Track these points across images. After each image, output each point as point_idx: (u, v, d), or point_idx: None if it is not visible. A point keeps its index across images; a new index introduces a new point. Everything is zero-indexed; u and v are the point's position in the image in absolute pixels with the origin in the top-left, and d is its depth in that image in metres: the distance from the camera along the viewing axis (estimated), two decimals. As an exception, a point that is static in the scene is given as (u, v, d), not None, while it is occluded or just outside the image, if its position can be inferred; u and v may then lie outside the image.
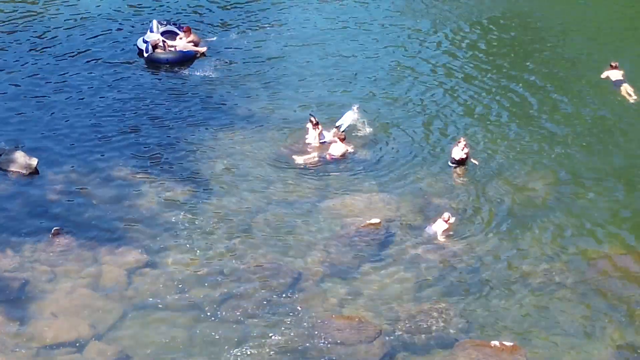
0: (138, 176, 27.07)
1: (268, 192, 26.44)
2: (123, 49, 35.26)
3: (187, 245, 23.88)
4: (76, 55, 34.68)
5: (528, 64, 34.83)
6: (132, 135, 29.46)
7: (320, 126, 28.79)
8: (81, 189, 26.20)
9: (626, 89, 31.44)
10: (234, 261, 23.34)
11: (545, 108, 31.59)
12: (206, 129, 30.02)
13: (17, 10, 38.11)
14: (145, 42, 34.61)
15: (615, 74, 32.40)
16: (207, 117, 30.84)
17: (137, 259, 23.30)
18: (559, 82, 33.44)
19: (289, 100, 32.12)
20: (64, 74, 33.04)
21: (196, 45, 35.12)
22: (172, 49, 34.36)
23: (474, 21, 38.58)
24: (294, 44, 36.46)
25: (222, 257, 23.44)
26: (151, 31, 34.94)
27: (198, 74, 33.82)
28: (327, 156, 28.11)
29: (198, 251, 23.65)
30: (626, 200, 26.26)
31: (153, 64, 34.27)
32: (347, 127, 29.35)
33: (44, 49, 35.02)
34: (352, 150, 28.59)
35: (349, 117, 29.74)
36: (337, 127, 29.27)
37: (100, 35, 36.33)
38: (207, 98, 32.17)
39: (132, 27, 37.19)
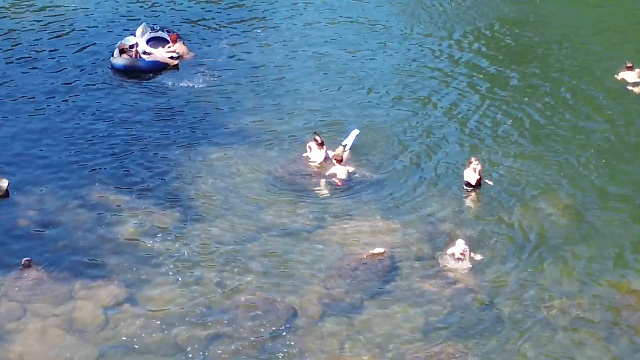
0: (118, 201, 25.25)
1: (261, 217, 24.61)
2: (103, 61, 33.10)
3: (171, 278, 22.01)
4: (54, 69, 32.63)
5: (537, 70, 33.14)
6: (112, 155, 27.36)
7: (325, 146, 26.88)
8: (55, 214, 24.28)
9: None
10: (222, 297, 21.39)
11: (560, 119, 29.64)
12: (193, 146, 28.12)
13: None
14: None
15: (631, 76, 31.06)
16: (194, 134, 28.96)
17: (115, 294, 21.33)
18: (573, 89, 31.49)
19: (284, 113, 30.17)
20: (38, 89, 31.01)
21: (182, 56, 33.20)
22: (145, 56, 32.28)
23: (479, 29, 36.81)
24: (290, 52, 34.65)
25: (209, 292, 21.46)
26: (133, 35, 33.36)
27: (184, 85, 31.90)
28: (332, 180, 26.00)
29: (183, 285, 21.75)
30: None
31: (113, 69, 32.19)
32: (351, 146, 27.47)
33: (17, 62, 32.93)
34: (353, 170, 26.65)
35: (354, 136, 27.77)
36: (342, 145, 27.25)
37: (82, 47, 34.23)
38: (195, 112, 30.28)
39: (118, 37, 35.04)
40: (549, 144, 28.36)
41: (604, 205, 25.15)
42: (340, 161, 26.40)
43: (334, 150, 27.08)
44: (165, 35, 33.99)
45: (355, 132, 28.13)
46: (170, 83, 32.22)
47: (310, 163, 26.84)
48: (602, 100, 30.91)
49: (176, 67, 33.22)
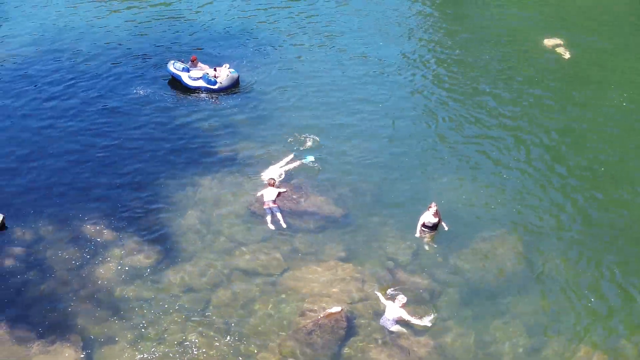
0: (105, 236, 24.31)
1: (233, 258, 23.66)
2: (97, 91, 32.43)
3: (134, 337, 20.99)
4: (47, 98, 31.84)
5: (504, 92, 32.08)
6: (104, 185, 26.51)
7: (275, 185, 25.95)
8: (42, 252, 23.67)
9: None
10: (182, 357, 20.44)
11: (535, 147, 28.45)
12: (183, 174, 26.94)
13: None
14: (195, 79, 32.12)
15: None
16: (186, 161, 27.87)
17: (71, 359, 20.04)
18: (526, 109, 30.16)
19: (278, 139, 29.20)
20: (35, 119, 30.32)
21: (215, 69, 32.49)
22: (226, 73, 32.47)
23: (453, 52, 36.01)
24: (290, 77, 33.37)
25: (170, 353, 20.69)
26: (186, 70, 32.43)
27: (181, 111, 30.97)
28: (264, 204, 25.50)
29: (143, 348, 20.82)
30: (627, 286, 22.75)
31: (224, 91, 32.42)
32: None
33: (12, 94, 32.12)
34: (285, 190, 25.73)
35: (308, 161, 27.24)
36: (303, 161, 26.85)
37: (74, 76, 33.48)
38: (189, 137, 29.35)
39: (113, 64, 34.28)
40: (506, 176, 27.22)
41: (559, 248, 24.05)
42: (273, 184, 25.62)
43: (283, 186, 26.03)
44: (181, 63, 32.98)
45: (310, 158, 27.38)
46: (171, 108, 31.38)
47: (264, 201, 25.68)
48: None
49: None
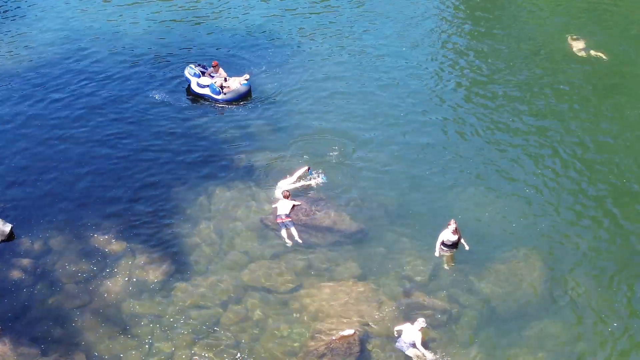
0: (114, 248, 23.65)
1: (245, 274, 22.85)
2: (108, 96, 31.60)
3: (142, 353, 20.51)
4: (59, 102, 31.20)
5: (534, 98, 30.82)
6: (115, 195, 25.80)
7: (290, 197, 25.05)
8: (49, 264, 23.01)
9: None
10: None
11: (556, 160, 27.27)
12: (197, 185, 26.20)
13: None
14: (202, 86, 31.06)
15: None
16: (200, 171, 26.98)
17: None
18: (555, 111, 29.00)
19: (294, 150, 28.23)
20: (47, 127, 29.67)
21: (226, 78, 31.62)
22: (232, 85, 31.33)
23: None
24: (311, 84, 32.39)
25: None
26: (197, 76, 31.34)
27: (196, 119, 30.17)
28: (278, 219, 24.57)
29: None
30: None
31: (228, 103, 31.09)
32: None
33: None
34: (299, 203, 24.88)
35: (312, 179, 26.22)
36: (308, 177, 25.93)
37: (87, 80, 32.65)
38: (203, 146, 28.50)
39: (131, 65, 33.61)
40: (531, 190, 25.93)
41: (583, 270, 22.93)
42: (288, 197, 24.75)
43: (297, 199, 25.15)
44: (200, 68, 32.17)
45: (323, 179, 26.18)
46: (182, 117, 30.43)
47: (277, 214, 24.75)
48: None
49: (248, 80, 31.76)
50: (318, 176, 25.82)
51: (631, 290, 22.23)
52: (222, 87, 30.53)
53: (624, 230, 24.24)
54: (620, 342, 20.90)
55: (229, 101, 30.47)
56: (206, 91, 30.60)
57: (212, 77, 31.46)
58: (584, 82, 31.40)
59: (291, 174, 25.66)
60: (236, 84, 30.76)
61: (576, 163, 26.95)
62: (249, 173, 26.70)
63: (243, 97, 30.74)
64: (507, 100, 30.76)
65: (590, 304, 21.86)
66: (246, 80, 30.78)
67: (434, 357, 19.72)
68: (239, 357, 20.19)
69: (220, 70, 31.15)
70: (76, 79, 32.23)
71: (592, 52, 32.74)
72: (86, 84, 31.80)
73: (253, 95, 31.08)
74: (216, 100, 30.59)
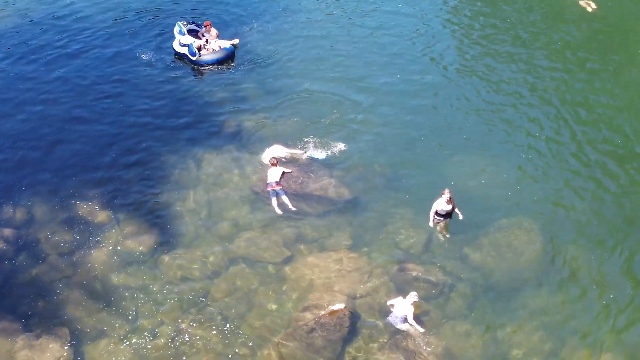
0: (100, 217, 22.90)
1: (234, 245, 22.11)
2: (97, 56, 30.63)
3: (125, 331, 19.70)
4: (42, 64, 30.26)
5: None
6: (101, 162, 25.01)
7: (278, 164, 24.16)
8: (32, 234, 22.23)
9: None
10: (175, 354, 19.02)
11: (563, 130, 26.39)
12: (189, 150, 25.39)
13: None
14: (183, 45, 29.85)
15: None
16: (193, 136, 26.11)
17: (57, 358, 18.96)
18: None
19: (286, 115, 27.34)
20: (30, 91, 28.74)
21: (207, 41, 30.54)
22: (215, 47, 30.08)
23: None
24: (308, 50, 31.27)
25: (162, 349, 19.27)
26: (182, 34, 30.14)
27: (185, 80, 29.20)
28: (268, 187, 23.84)
29: (134, 344, 19.46)
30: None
31: (202, 66, 29.97)
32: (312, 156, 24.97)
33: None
34: (290, 171, 24.11)
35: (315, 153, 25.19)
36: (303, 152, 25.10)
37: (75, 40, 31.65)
38: (192, 110, 27.61)
39: (115, 21, 32.48)
40: (528, 157, 25.22)
41: (582, 239, 22.21)
42: (275, 164, 23.90)
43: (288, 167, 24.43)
44: (194, 26, 31.19)
45: (319, 155, 25.30)
46: (173, 79, 29.49)
47: (267, 182, 23.99)
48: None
49: (237, 47, 30.97)
50: (314, 155, 25.10)
51: (632, 260, 21.68)
52: (200, 48, 29.41)
53: (626, 196, 23.65)
54: (620, 316, 20.41)
55: (204, 64, 29.63)
56: (185, 51, 29.69)
57: (204, 37, 30.50)
58: (583, 40, 30.44)
59: (286, 147, 25.02)
60: (217, 47, 29.73)
61: (575, 126, 26.25)
62: (239, 138, 25.94)
63: (221, 62, 29.77)
64: (504, 60, 30.06)
65: (589, 275, 21.24)
66: (233, 44, 29.69)
67: (426, 332, 18.76)
68: (227, 331, 19.64)
69: (213, 30, 30.11)
70: (58, 37, 31.28)
71: (591, 8, 31.50)
72: (69, 42, 31.02)
73: (248, 57, 30.32)
74: (192, 62, 29.67)
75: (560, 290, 20.79)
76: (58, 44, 30.47)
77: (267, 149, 24.67)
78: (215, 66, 29.30)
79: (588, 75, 28.54)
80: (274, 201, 22.75)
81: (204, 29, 30.31)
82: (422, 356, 18.77)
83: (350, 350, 19.25)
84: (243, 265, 21.61)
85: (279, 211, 22.90)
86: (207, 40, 29.89)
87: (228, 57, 29.76)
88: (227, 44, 29.94)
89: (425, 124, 26.48)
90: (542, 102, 27.26)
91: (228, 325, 19.84)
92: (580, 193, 23.68)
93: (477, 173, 24.33)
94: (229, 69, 29.16)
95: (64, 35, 31.15)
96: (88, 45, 30.76)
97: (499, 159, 24.74)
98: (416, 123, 26.55)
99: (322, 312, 19.63)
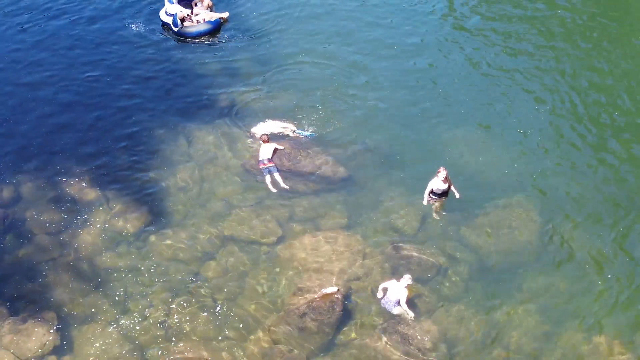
0: (89, 195, 22.36)
1: (226, 224, 21.59)
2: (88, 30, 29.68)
3: (113, 315, 19.23)
4: (29, 34, 29.44)
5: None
6: (88, 138, 24.36)
7: (269, 141, 23.54)
8: (20, 212, 21.68)
9: None
10: (160, 347, 18.65)
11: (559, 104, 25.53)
12: (179, 126, 24.74)
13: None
14: (169, 14, 28.90)
15: None
16: (183, 111, 25.41)
17: (42, 343, 18.46)
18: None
19: (289, 89, 26.54)
20: (18, 64, 27.97)
21: (211, 9, 29.93)
22: (200, 18, 29.22)
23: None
24: (306, 23, 30.23)
25: (147, 338, 18.85)
26: (170, 2, 29.23)
27: (176, 53, 28.41)
28: (260, 164, 23.24)
29: (123, 328, 18.99)
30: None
31: (185, 38, 29.02)
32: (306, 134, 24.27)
33: None
34: (282, 147, 23.50)
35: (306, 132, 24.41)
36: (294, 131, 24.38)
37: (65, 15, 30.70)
38: (183, 84, 26.77)
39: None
40: (528, 132, 24.60)
41: (580, 218, 21.72)
42: (267, 141, 23.45)
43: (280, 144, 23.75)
44: None
45: (309, 132, 24.60)
46: (165, 52, 28.68)
47: (259, 160, 23.42)
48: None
49: (226, 20, 30.02)
50: (306, 132, 24.40)
51: (632, 240, 21.32)
52: (183, 19, 28.56)
53: (626, 173, 23.24)
54: (619, 297, 20.04)
55: (185, 35, 28.81)
56: (170, 20, 28.93)
57: (197, 6, 30.06)
58: (584, 12, 29.90)
59: (278, 122, 24.46)
60: (202, 19, 29.02)
61: (575, 99, 25.73)
62: (230, 113, 25.39)
63: (203, 35, 28.95)
64: (502, 34, 29.43)
65: (588, 255, 20.82)
66: (222, 18, 29.24)
67: (417, 317, 18.78)
68: (218, 313, 19.29)
69: (206, 0, 29.12)
70: (42, 6, 30.62)
71: None
72: (56, 11, 30.69)
73: (240, 27, 29.78)
74: (175, 33, 28.98)
75: (559, 272, 20.36)
76: (40, 17, 30.05)
77: (259, 124, 24.02)
78: (206, 38, 28.31)
79: (587, 45, 28.32)
80: (267, 179, 22.15)
81: None
82: (417, 340, 18.03)
83: (342, 334, 18.90)
84: (234, 245, 21.13)
85: (272, 189, 22.33)
86: (192, 11, 28.93)
87: (210, 31, 28.89)
88: (214, 16, 29.02)
89: (422, 98, 25.98)
90: (541, 75, 26.93)
91: (219, 308, 19.42)
92: (581, 169, 23.23)
93: (474, 149, 23.72)
94: (221, 40, 28.38)
95: (47, 5, 30.44)
96: (74, 13, 30.25)
97: (497, 135, 24.23)
98: (413, 97, 26.00)
99: (315, 296, 19.12)
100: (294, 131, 23.95)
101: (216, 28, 29.06)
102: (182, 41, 28.75)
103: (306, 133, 23.99)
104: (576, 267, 20.45)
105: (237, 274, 20.30)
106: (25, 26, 29.36)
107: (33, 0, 30.55)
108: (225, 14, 29.73)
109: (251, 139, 23.82)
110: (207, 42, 28.48)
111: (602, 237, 21.17)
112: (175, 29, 28.62)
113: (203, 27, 28.84)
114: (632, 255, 20.43)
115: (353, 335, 18.86)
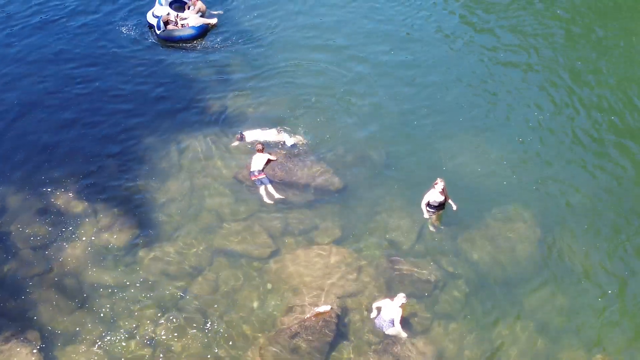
0: (76, 207, 21.72)
1: (217, 238, 21.03)
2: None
3: (99, 332, 18.64)
4: (17, 37, 28.63)
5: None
6: (76, 147, 23.73)
7: (264, 150, 22.95)
8: (5, 225, 21.09)
9: None
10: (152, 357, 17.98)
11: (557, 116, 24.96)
12: (169, 135, 24.11)
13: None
14: (155, 16, 28.16)
15: None
16: (174, 119, 24.84)
17: None
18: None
19: (283, 95, 25.95)
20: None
21: (203, 13, 29.26)
22: (185, 23, 28.45)
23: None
24: (300, 26, 29.62)
25: (139, 352, 18.28)
26: (160, 4, 28.51)
27: (168, 58, 27.77)
28: (252, 176, 22.69)
29: (108, 345, 18.43)
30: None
31: (166, 42, 28.31)
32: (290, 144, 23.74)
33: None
34: (275, 158, 22.91)
35: (292, 139, 23.88)
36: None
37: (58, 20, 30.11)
38: (174, 90, 26.21)
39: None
40: (527, 140, 24.07)
41: (580, 230, 21.17)
42: (261, 150, 22.77)
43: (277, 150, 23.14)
44: None
45: (295, 140, 23.94)
46: (160, 56, 28.05)
47: (251, 170, 22.83)
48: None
49: (214, 26, 29.29)
50: (300, 138, 23.76)
51: (632, 254, 20.67)
52: (167, 22, 27.90)
53: (628, 182, 22.74)
54: (619, 314, 19.57)
55: (166, 39, 28.10)
56: (155, 22, 28.25)
57: (189, 9, 29.60)
58: (584, 8, 29.23)
59: (271, 131, 23.94)
60: (186, 23, 28.48)
61: (577, 106, 25.23)
62: (222, 121, 24.79)
63: (185, 40, 28.28)
64: (502, 35, 29.01)
65: (589, 269, 20.35)
66: (210, 24, 28.78)
67: (410, 338, 18.45)
68: (208, 331, 18.72)
69: (199, 3, 28.79)
70: (27, 4, 29.91)
71: None
72: (40, 15, 29.92)
73: (231, 30, 29.20)
74: (157, 36, 28.23)
75: (558, 287, 19.92)
76: (25, 19, 29.19)
77: (253, 130, 23.57)
78: (198, 41, 28.00)
79: (588, 42, 27.82)
80: (261, 190, 21.84)
81: (191, 1, 28.54)
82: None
83: (336, 355, 18.30)
84: (225, 260, 20.54)
85: (267, 200, 21.85)
86: (178, 15, 28.15)
87: (192, 37, 28.11)
88: (200, 22, 28.33)
89: (419, 106, 25.42)
90: (541, 81, 26.46)
91: (209, 325, 18.86)
92: (581, 178, 22.77)
93: (472, 159, 23.22)
94: (213, 44, 27.78)
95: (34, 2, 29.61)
96: (62, 15, 29.65)
97: (496, 144, 23.67)
98: (410, 105, 25.57)
99: (307, 315, 18.58)
100: (288, 138, 23.41)
101: (199, 34, 28.30)
102: (171, 45, 27.84)
103: (301, 140, 23.53)
104: (576, 281, 19.95)
105: (228, 290, 19.68)
106: (7, 30, 28.51)
107: (15, 6, 29.22)
108: (214, 20, 29.07)
109: (239, 142, 23.24)
110: (197, 46, 27.63)
111: (603, 249, 20.57)
112: (158, 32, 27.89)
113: (185, 32, 28.12)
114: (633, 270, 19.57)
115: (346, 356, 18.22)
